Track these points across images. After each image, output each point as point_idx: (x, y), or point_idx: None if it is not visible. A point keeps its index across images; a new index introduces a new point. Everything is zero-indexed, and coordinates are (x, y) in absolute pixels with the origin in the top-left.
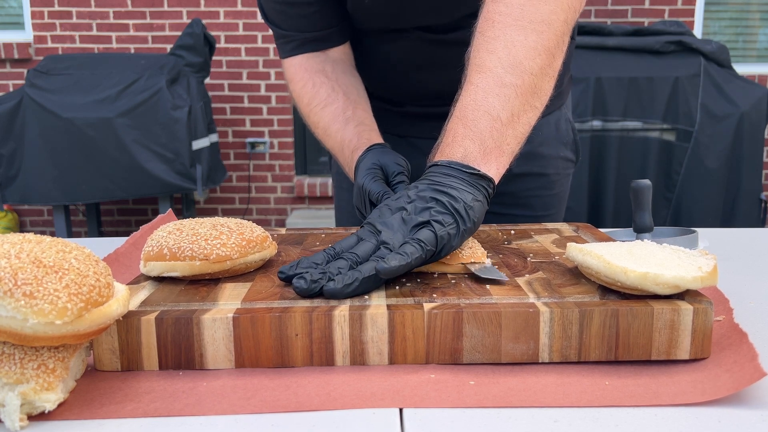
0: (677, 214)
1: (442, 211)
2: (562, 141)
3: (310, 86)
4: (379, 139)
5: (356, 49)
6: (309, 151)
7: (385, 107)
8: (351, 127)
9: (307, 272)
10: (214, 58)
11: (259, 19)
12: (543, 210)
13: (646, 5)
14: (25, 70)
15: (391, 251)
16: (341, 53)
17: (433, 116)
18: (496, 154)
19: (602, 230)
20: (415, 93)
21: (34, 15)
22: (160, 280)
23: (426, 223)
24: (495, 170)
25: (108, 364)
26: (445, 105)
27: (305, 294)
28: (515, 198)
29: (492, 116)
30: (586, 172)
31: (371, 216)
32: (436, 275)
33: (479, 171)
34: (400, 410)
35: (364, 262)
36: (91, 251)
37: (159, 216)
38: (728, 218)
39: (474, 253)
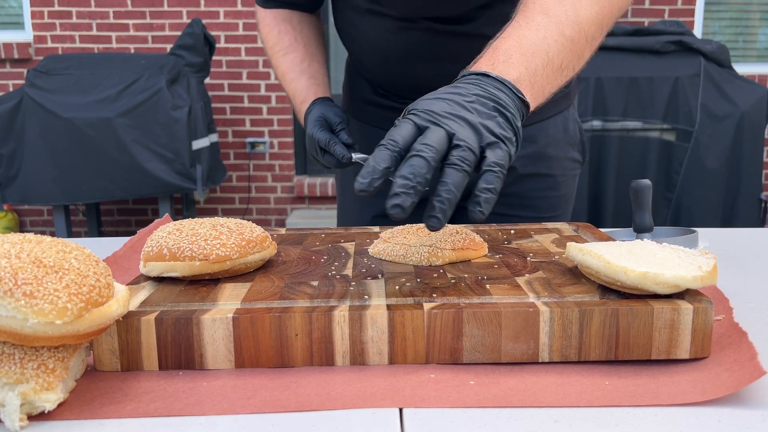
0: (677, 214)
1: (507, 127)
2: (569, 141)
3: (275, 33)
4: (325, 93)
5: (361, 38)
6: None
7: (387, 104)
8: (304, 79)
9: (402, 193)
10: (214, 58)
11: None
12: (549, 211)
13: (646, 5)
14: (25, 70)
15: (467, 152)
16: (311, 18)
17: None
18: (538, 94)
19: (602, 230)
20: (419, 87)
21: (34, 15)
22: (159, 280)
23: (498, 141)
24: (531, 108)
25: (108, 364)
26: None
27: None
28: (521, 199)
29: (549, 58)
30: (586, 172)
31: (424, 104)
32: (435, 275)
33: (527, 100)
34: (400, 410)
35: (441, 159)
36: (91, 251)
37: (156, 221)
38: (728, 218)
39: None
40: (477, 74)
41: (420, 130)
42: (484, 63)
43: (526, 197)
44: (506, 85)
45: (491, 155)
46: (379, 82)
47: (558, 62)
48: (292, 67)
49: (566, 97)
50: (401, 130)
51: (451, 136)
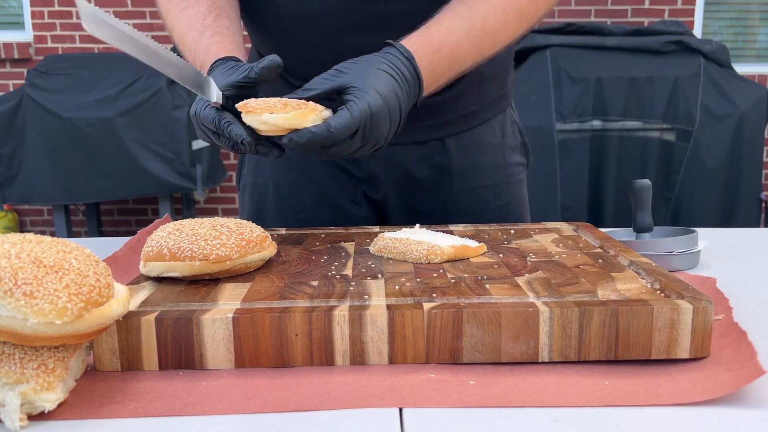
0: (677, 214)
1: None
2: (509, 146)
3: None
4: (230, 52)
5: (269, 8)
6: None
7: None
8: (206, 38)
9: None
10: None
11: None
12: (497, 221)
13: (646, 5)
14: (25, 70)
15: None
16: None
17: None
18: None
19: (602, 230)
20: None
21: (34, 15)
22: (159, 280)
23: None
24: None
25: (108, 364)
26: None
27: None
28: (461, 216)
29: (459, 72)
30: (586, 172)
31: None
32: (435, 275)
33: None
34: (400, 410)
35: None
36: (91, 251)
37: (156, 221)
38: (728, 218)
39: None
40: (416, 73)
41: (356, 133)
42: (424, 57)
43: (468, 212)
44: (419, 95)
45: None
46: (294, 68)
47: (460, 74)
48: (192, 24)
49: (502, 98)
50: (346, 129)
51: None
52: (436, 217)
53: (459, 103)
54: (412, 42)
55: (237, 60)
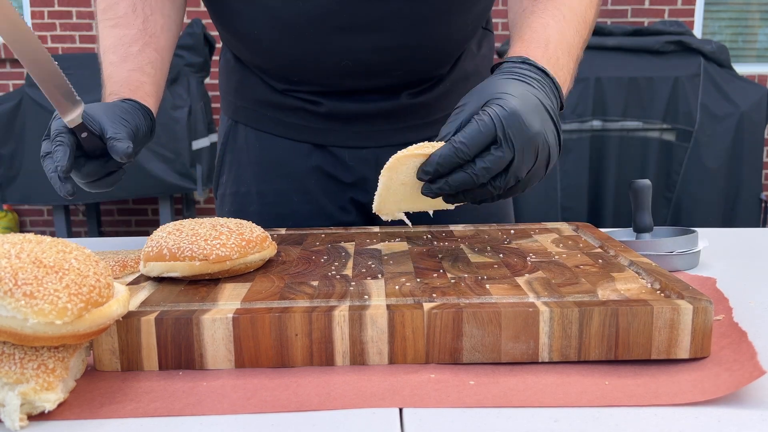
0: (677, 214)
1: (557, 141)
2: None
3: None
4: (142, 99)
5: (255, 10)
6: None
7: (290, 104)
8: (124, 70)
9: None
10: (214, 58)
11: None
12: (492, 219)
13: (646, 5)
14: (25, 70)
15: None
16: None
17: (362, 115)
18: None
19: (602, 230)
20: (336, 68)
21: (34, 15)
22: (159, 280)
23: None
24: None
25: (108, 364)
26: (376, 92)
27: None
28: (459, 214)
29: (576, 62)
30: (586, 172)
31: (509, 103)
32: (435, 275)
33: (563, 104)
34: (400, 410)
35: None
36: (92, 251)
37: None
38: (728, 218)
39: None
40: (539, 69)
41: (496, 141)
42: (539, 54)
43: (462, 211)
44: (559, 91)
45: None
46: (279, 71)
47: (576, 66)
48: (116, 47)
49: None
50: (478, 137)
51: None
52: (432, 216)
53: (447, 101)
54: (516, 50)
55: (126, 101)
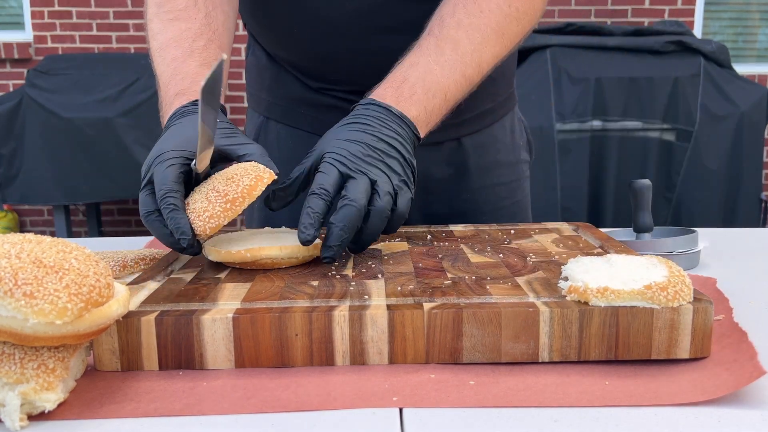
0: (677, 214)
1: (407, 168)
2: (517, 144)
3: None
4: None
5: (296, 10)
6: None
7: (325, 102)
8: (192, 65)
9: (337, 246)
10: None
11: None
12: (508, 220)
13: (646, 5)
14: (25, 70)
15: (389, 198)
16: None
17: None
18: (428, 130)
19: (602, 230)
20: (370, 68)
21: (34, 15)
22: (160, 280)
23: (404, 187)
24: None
25: (108, 364)
26: None
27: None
28: (479, 215)
29: (446, 98)
30: (586, 172)
31: (338, 146)
32: (435, 275)
33: (420, 137)
34: (400, 410)
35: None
36: (92, 251)
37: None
38: (728, 218)
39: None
40: (381, 107)
41: (343, 177)
42: (389, 93)
43: (485, 211)
44: (406, 123)
45: (400, 202)
46: (317, 70)
47: (452, 101)
48: (179, 41)
49: (511, 97)
50: (329, 178)
51: (373, 183)
52: (452, 218)
53: (475, 102)
54: (373, 90)
55: (220, 110)
